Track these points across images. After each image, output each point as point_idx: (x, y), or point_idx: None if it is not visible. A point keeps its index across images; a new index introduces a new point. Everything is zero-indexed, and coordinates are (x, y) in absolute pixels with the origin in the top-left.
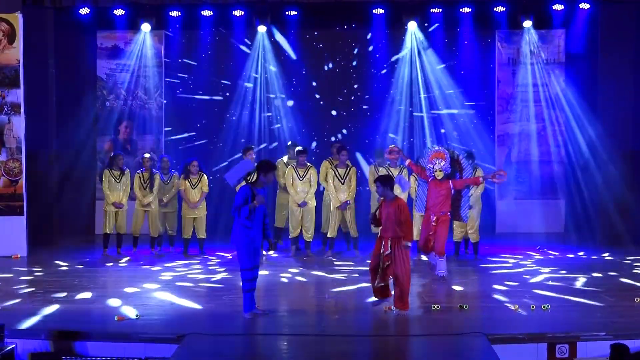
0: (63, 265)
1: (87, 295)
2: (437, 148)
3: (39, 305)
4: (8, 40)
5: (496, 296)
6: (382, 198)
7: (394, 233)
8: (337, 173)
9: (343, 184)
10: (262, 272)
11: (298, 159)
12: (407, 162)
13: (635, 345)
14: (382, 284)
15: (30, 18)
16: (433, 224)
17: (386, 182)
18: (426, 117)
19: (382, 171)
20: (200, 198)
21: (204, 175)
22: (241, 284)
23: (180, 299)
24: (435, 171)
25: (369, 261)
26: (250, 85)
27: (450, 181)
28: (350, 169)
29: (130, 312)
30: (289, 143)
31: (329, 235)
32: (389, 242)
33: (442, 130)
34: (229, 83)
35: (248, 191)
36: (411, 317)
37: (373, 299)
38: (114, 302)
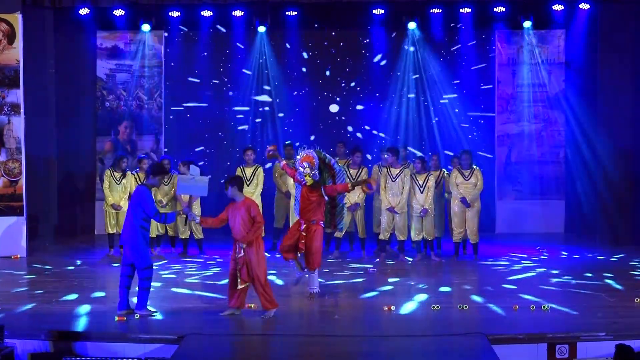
0: (63, 265)
1: (87, 295)
2: (306, 151)
3: (39, 306)
4: (8, 40)
5: (496, 296)
6: (231, 200)
7: (243, 234)
8: (348, 174)
9: None
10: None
11: None
12: (282, 163)
13: (636, 345)
14: (243, 287)
15: (30, 18)
16: (303, 233)
17: (235, 183)
18: (426, 117)
19: (384, 170)
20: (194, 198)
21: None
22: (139, 283)
23: (180, 299)
24: (305, 176)
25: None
26: (249, 80)
27: (322, 187)
28: (361, 170)
29: (130, 312)
30: (287, 143)
31: (336, 235)
32: (241, 245)
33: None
34: (229, 83)
35: (150, 193)
36: (411, 317)
37: (229, 312)
38: (113, 302)
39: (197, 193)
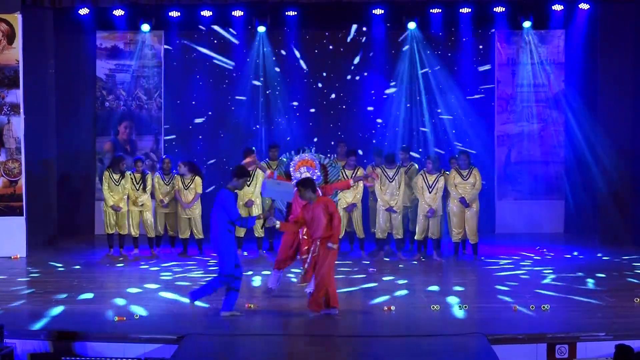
0: (62, 265)
1: (86, 295)
2: (303, 155)
3: (39, 306)
4: (7, 40)
5: (496, 296)
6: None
7: (323, 233)
8: (344, 175)
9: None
10: (264, 272)
11: None
12: (268, 172)
13: (636, 345)
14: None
15: (30, 18)
16: (304, 237)
17: (307, 185)
18: (426, 117)
19: (379, 171)
20: (194, 198)
21: (198, 177)
22: (226, 284)
23: (180, 299)
24: None
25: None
26: (249, 85)
27: (318, 189)
28: (357, 170)
29: (130, 312)
30: (271, 145)
31: None
32: (317, 243)
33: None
34: (228, 83)
35: (234, 196)
36: (411, 317)
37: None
38: (113, 302)
39: (284, 198)
